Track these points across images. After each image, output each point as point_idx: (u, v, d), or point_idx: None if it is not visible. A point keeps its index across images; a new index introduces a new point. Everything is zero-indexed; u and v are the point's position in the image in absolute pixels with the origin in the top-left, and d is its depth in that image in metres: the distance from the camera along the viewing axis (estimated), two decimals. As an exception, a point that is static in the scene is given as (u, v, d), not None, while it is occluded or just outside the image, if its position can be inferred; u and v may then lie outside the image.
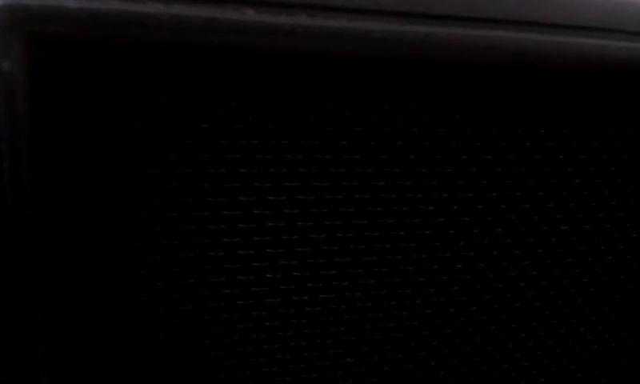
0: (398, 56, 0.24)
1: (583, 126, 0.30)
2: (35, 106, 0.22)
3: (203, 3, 0.22)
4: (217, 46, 0.22)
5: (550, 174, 0.30)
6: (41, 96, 0.21)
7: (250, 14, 0.22)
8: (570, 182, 0.31)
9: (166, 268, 0.27)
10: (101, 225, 0.25)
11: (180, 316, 0.27)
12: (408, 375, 0.32)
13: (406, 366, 0.32)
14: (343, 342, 0.30)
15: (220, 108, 0.25)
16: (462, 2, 0.25)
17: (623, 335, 0.36)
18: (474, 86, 0.27)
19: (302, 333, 0.29)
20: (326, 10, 0.23)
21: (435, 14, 0.24)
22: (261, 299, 0.28)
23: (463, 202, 0.29)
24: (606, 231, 0.33)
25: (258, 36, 0.22)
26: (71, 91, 0.22)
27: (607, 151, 0.31)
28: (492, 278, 0.31)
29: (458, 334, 0.32)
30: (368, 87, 0.26)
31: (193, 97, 0.24)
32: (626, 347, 0.36)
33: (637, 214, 0.33)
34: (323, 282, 0.29)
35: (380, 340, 0.31)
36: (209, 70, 0.24)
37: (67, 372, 0.26)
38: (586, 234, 0.33)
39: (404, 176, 0.28)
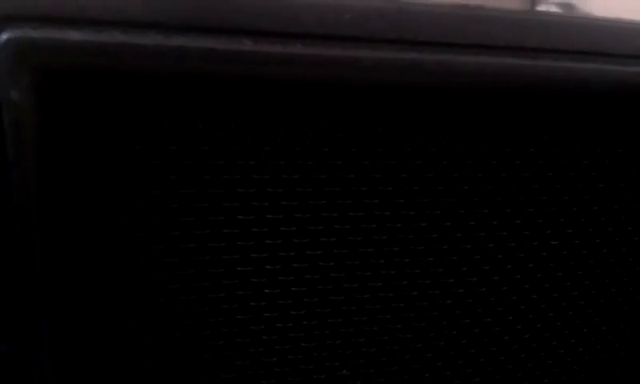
0: (390, 82, 0.25)
1: (572, 144, 0.31)
2: (42, 134, 0.23)
3: (202, 34, 0.23)
4: (215, 74, 0.23)
5: (539, 191, 0.31)
6: (47, 124, 0.22)
7: (247, 44, 0.23)
8: (560, 199, 0.32)
9: (167, 284, 0.28)
10: (104, 245, 0.26)
11: (181, 330, 0.28)
12: (415, 375, 0.33)
13: (413, 367, 0.33)
14: (352, 343, 0.31)
15: (219, 131, 0.26)
16: (450, 29, 0.26)
17: (626, 337, 0.37)
18: (465, 107, 0.28)
19: (313, 334, 0.30)
20: (320, 40, 0.24)
21: (424, 41, 0.25)
22: (274, 302, 0.29)
23: (455, 218, 0.30)
24: (596, 243, 0.34)
25: (255, 65, 0.23)
26: (76, 118, 0.23)
27: (596, 169, 0.32)
28: (497, 280, 0.32)
29: (463, 336, 0.33)
30: (361, 110, 0.27)
31: (193, 121, 0.25)
32: (628, 349, 0.37)
33: (626, 227, 0.34)
34: (333, 284, 0.30)
35: (388, 341, 0.32)
36: (208, 97, 0.25)
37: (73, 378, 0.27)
38: (579, 247, 0.33)
39: (397, 194, 0.29)
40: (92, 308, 0.26)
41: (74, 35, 0.22)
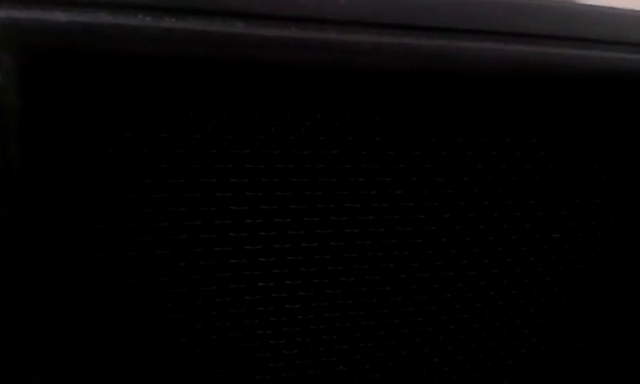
0: (388, 67, 0.25)
1: (574, 135, 0.30)
2: (27, 117, 0.22)
3: (192, 16, 0.22)
4: (206, 58, 0.23)
5: (540, 183, 0.30)
6: (32, 108, 0.22)
7: (239, 27, 0.22)
8: (562, 191, 0.31)
9: (158, 277, 0.27)
10: (93, 234, 0.25)
11: (173, 324, 0.28)
12: (412, 371, 0.32)
13: (410, 362, 0.32)
14: (349, 338, 0.30)
15: (212, 118, 0.25)
16: (450, 14, 0.25)
17: (627, 333, 0.36)
18: (465, 96, 0.28)
19: (309, 328, 0.30)
20: (316, 23, 0.23)
21: (423, 26, 0.24)
22: (268, 295, 0.28)
23: (454, 210, 0.29)
24: (598, 236, 0.33)
25: (247, 48, 0.23)
26: (62, 103, 0.22)
27: (598, 160, 0.31)
28: (497, 274, 0.31)
29: (462, 330, 0.32)
30: (359, 97, 0.26)
31: (184, 108, 0.24)
32: (629, 345, 0.36)
33: (629, 220, 0.34)
34: (329, 277, 0.29)
35: (385, 336, 0.31)
36: (199, 82, 0.24)
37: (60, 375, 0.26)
38: (580, 240, 0.33)
39: (395, 185, 0.28)
40: (80, 301, 0.25)
41: (60, 16, 0.21)
